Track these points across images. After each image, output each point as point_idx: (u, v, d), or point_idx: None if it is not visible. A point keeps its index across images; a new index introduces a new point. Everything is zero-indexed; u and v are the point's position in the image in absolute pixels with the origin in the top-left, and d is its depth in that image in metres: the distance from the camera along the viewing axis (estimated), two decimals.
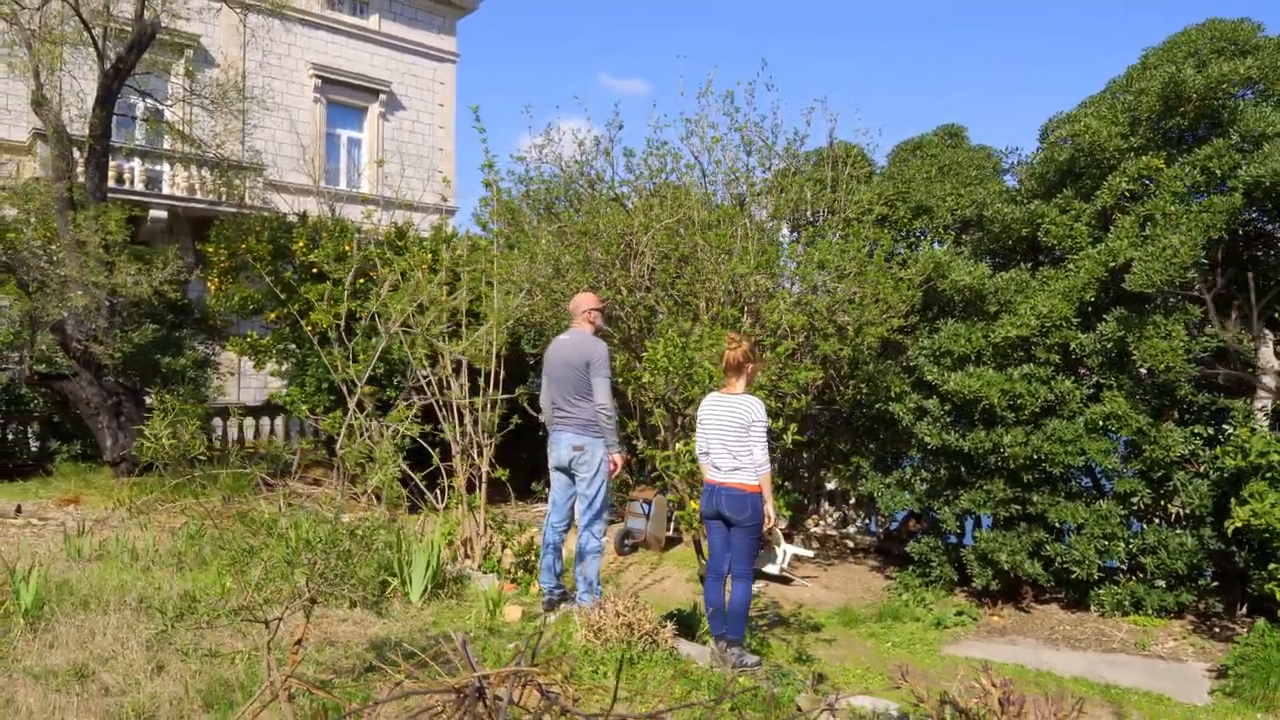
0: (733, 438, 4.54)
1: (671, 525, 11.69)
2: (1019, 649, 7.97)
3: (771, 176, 11.38)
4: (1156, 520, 8.81)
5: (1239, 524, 7.02)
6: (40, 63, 10.74)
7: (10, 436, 11.81)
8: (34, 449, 11.76)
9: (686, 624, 6.41)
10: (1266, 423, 8.43)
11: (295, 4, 21.17)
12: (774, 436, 7.38)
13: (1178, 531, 8.36)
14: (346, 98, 22.91)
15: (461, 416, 7.24)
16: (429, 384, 7.34)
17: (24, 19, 10.62)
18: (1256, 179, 7.65)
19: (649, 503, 11.67)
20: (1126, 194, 8.51)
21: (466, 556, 6.78)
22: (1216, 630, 8.20)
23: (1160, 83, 8.20)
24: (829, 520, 13.62)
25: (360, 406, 6.74)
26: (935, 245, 10.53)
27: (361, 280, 10.00)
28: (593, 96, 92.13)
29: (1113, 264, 8.26)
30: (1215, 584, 8.63)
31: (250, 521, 4.04)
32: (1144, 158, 8.38)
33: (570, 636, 4.68)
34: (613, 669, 4.21)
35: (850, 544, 12.56)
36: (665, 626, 4.67)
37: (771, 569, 10.11)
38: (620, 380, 8.11)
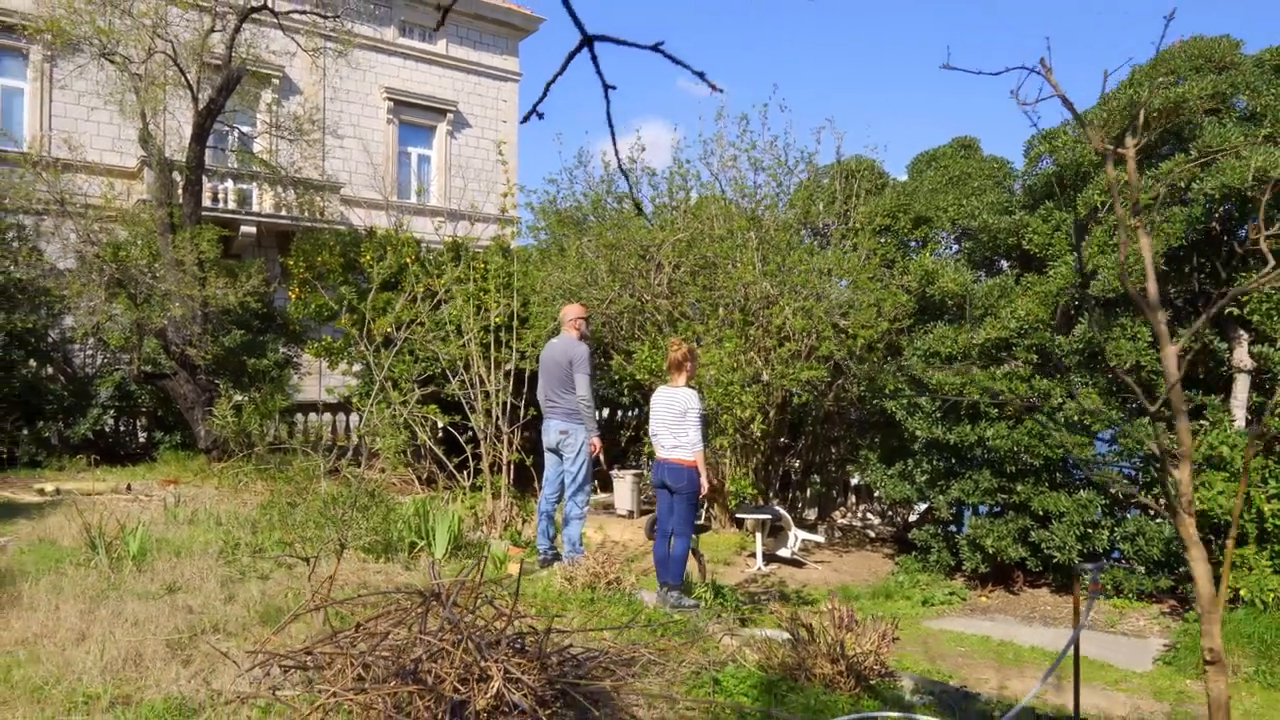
0: (673, 422, 5.56)
1: (703, 514, 12.65)
2: (994, 624, 8.70)
3: (790, 191, 12.29)
4: (1137, 510, 9.39)
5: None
6: (145, 105, 12.43)
7: (122, 428, 13.60)
8: (141, 439, 13.50)
9: (687, 591, 7.42)
10: (1244, 417, 8.94)
11: (369, 33, 23.03)
12: (743, 425, 8.30)
13: (1156, 521, 8.95)
14: (416, 118, 24.61)
15: (489, 409, 8.42)
16: (460, 381, 8.54)
17: (132, 68, 12.32)
18: (1215, 191, 8.22)
19: None
20: (1099, 205, 9.14)
21: (490, 527, 7.93)
22: (1186, 613, 8.76)
23: (1123, 102, 8.83)
24: (854, 512, 14.40)
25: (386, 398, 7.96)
26: (934, 254, 11.24)
27: (422, 288, 11.33)
28: (671, 104, 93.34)
29: (1084, 271, 8.92)
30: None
31: (296, 486, 5.27)
32: (1113, 171, 9.00)
33: (550, 582, 5.76)
34: (577, 606, 5.28)
35: (871, 534, 13.32)
36: (628, 577, 5.70)
37: (784, 552, 10.98)
38: (617, 377, 9.17)
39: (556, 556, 6.53)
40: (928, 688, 4.32)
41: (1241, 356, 8.90)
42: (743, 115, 11.81)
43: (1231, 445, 7.87)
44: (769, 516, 10.52)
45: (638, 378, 8.62)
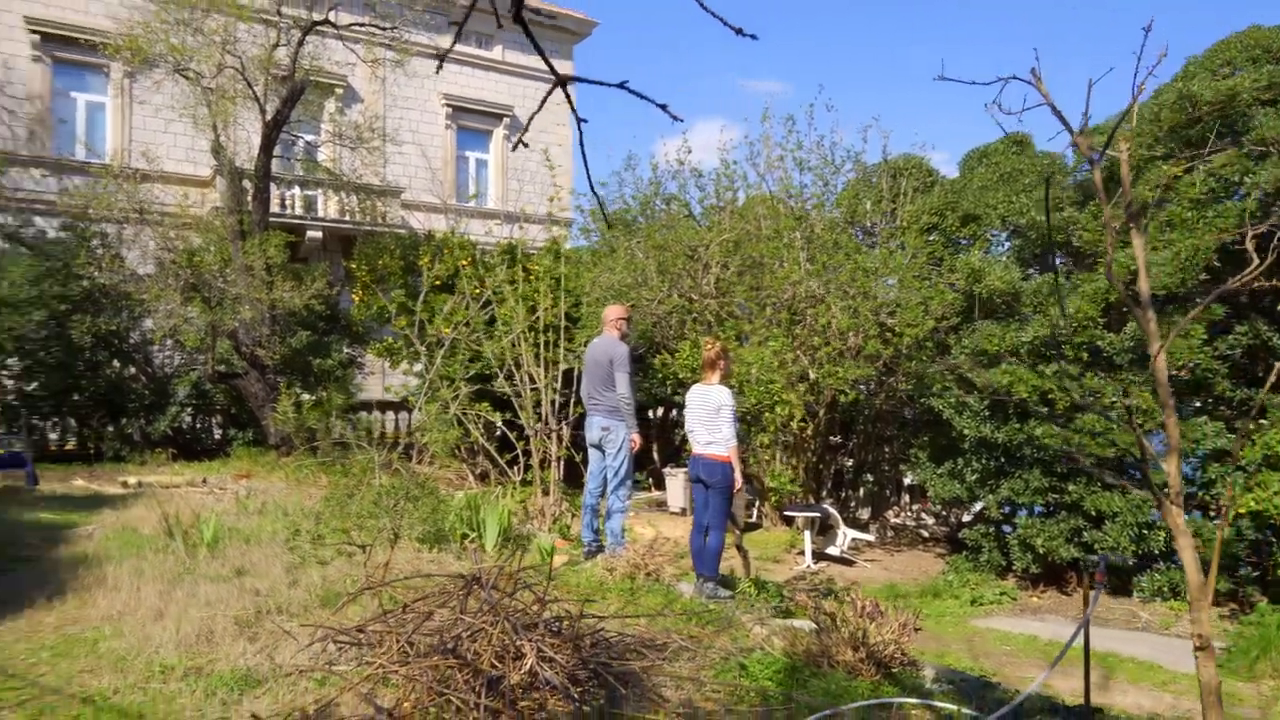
0: (707, 418, 5.74)
1: (755, 513, 12.77)
2: (1044, 624, 8.66)
3: (837, 190, 12.32)
4: (1196, 511, 9.22)
5: (1242, 509, 7.51)
6: (216, 118, 13.08)
7: (198, 425, 14.31)
8: (216, 435, 14.20)
9: (726, 584, 7.58)
10: None
11: (426, 41, 23.66)
12: (784, 424, 8.41)
13: (1214, 522, 8.78)
14: (474, 123, 25.19)
15: (539, 406, 8.71)
16: (509, 379, 8.85)
17: (203, 83, 12.98)
18: (1268, 184, 8.05)
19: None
20: (1150, 200, 9.01)
21: (539, 520, 8.22)
22: (1243, 616, 8.58)
23: (1173, 96, 8.69)
24: (908, 512, 14.34)
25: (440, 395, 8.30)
26: (985, 252, 11.17)
27: (475, 290, 11.71)
28: (728, 99, 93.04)
29: (1134, 267, 8.79)
30: (1256, 573, 8.96)
31: (353, 479, 5.61)
32: (1164, 166, 8.88)
33: (592, 573, 6.00)
34: (616, 594, 5.50)
35: (924, 534, 13.26)
36: (667, 569, 5.90)
37: (833, 550, 11.05)
38: (661, 375, 9.37)
39: (601, 548, 6.76)
40: (948, 677, 4.42)
41: None
42: (788, 116, 11.90)
43: (1269, 441, 7.71)
44: (818, 515, 10.60)
45: (680, 376, 8.82)
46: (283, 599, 5.31)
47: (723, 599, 5.56)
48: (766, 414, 8.90)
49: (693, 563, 5.97)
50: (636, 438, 6.52)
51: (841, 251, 10.82)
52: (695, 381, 6.11)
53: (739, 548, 7.68)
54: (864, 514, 13.76)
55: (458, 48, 25.08)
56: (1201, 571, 2.80)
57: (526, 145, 1.49)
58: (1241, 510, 7.50)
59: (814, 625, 4.46)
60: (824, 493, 12.84)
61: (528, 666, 3.75)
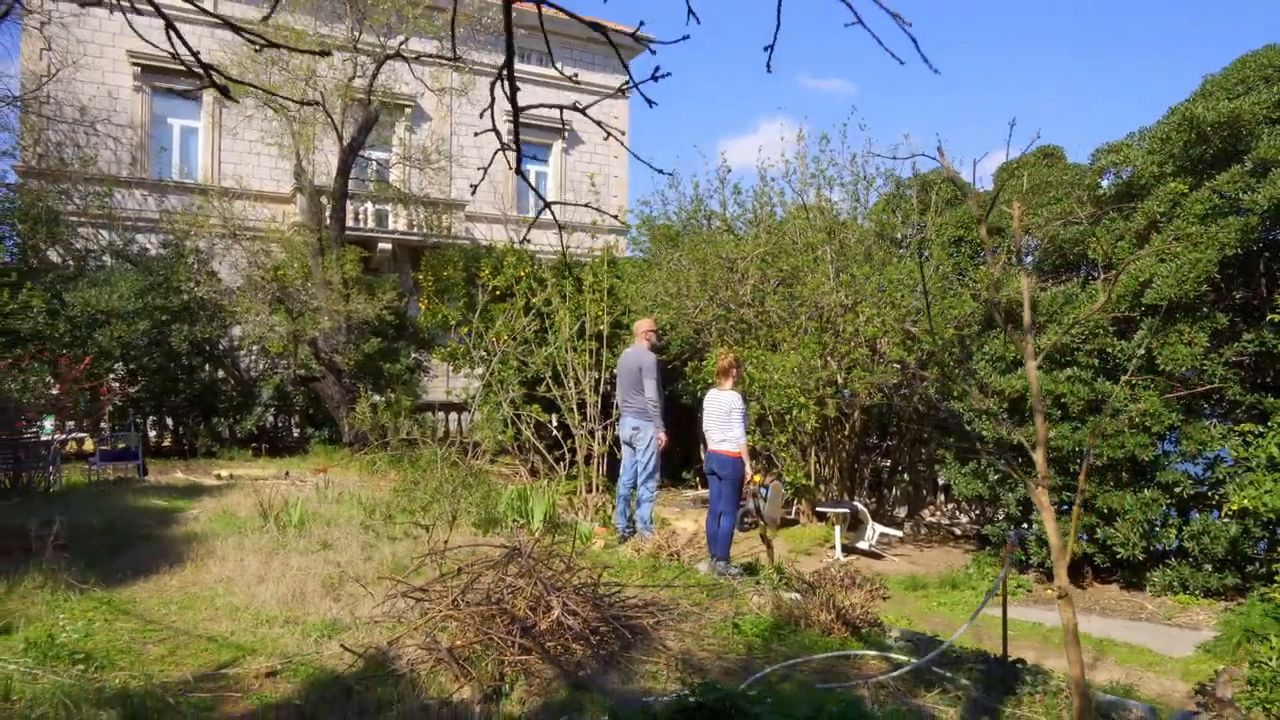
0: (720, 419, 6.58)
1: (793, 508, 13.50)
2: (1052, 614, 9.19)
3: (869, 205, 13.00)
4: (1205, 509, 9.66)
5: (1235, 507, 8.00)
6: (299, 145, 14.40)
7: (280, 424, 15.68)
8: (296, 434, 15.54)
9: (750, 570, 8.39)
10: None
11: (490, 60, 24.93)
12: (800, 425, 9.15)
13: (1222, 520, 9.23)
14: (534, 137, 26.38)
15: (583, 406, 9.64)
16: (557, 382, 9.80)
17: (288, 113, 14.32)
18: (1265, 202, 8.52)
19: (767, 487, 13.59)
20: (1159, 215, 9.50)
21: (582, 510, 9.15)
22: (1237, 605, 9.00)
23: (1180, 117, 9.18)
24: (943, 510, 14.87)
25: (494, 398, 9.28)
26: (1009, 263, 11.71)
27: (525, 301, 12.73)
28: (793, 99, 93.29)
29: (1143, 279, 9.31)
30: (1263, 569, 9.36)
31: (418, 471, 6.61)
32: (1172, 183, 9.37)
33: (622, 553, 6.89)
34: (640, 570, 6.38)
35: (956, 531, 13.79)
36: (686, 551, 6.76)
37: (862, 545, 11.71)
38: (690, 381, 10.19)
39: (633, 533, 7.65)
40: (908, 637, 5.14)
41: None
42: (823, 135, 12.62)
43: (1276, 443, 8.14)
44: (848, 511, 11.30)
45: (710, 382, 9.63)
46: (359, 569, 6.34)
47: (731, 575, 6.39)
48: (786, 416, 9.64)
49: (708, 545, 6.82)
50: (663, 436, 7.39)
51: (870, 263, 11.49)
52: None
53: (764, 539, 8.45)
54: (900, 512, 14.34)
55: (519, 66, 26.35)
56: (1062, 539, 3.53)
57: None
58: (1234, 507, 7.96)
59: (797, 595, 5.25)
60: (860, 491, 13.48)
61: (554, 616, 4.66)
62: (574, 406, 9.70)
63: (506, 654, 4.36)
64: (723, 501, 6.60)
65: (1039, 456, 3.57)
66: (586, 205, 2.32)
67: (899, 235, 12.64)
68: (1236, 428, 9.16)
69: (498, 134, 2.30)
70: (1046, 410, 9.80)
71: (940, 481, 14.74)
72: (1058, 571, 3.45)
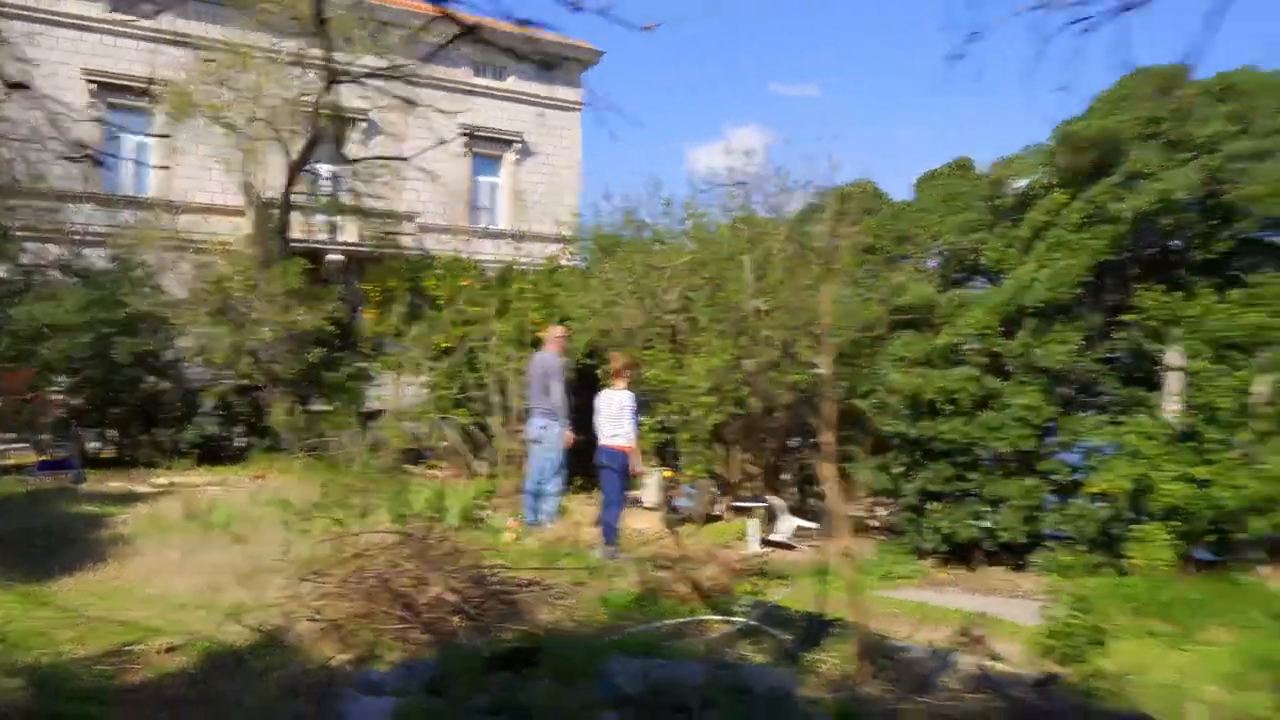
0: (613, 416, 7.17)
1: (718, 506, 14.05)
2: (939, 595, 9.88)
3: (790, 215, 13.70)
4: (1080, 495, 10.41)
5: (1095, 490, 8.73)
6: (246, 162, 14.81)
7: (223, 433, 15.99)
8: (238, 443, 15.87)
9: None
10: (1178, 409, 9.89)
11: (442, 74, 25.42)
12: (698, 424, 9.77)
13: (1096, 505, 9.97)
14: (487, 149, 26.89)
15: (509, 409, 10.17)
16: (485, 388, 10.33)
17: (237, 130, 14.74)
18: (1130, 211, 9.28)
19: (694, 485, 14.17)
20: (1042, 224, 10.26)
21: (497, 506, 9.66)
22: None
23: (1062, 132, 9.95)
24: (865, 504, 15.54)
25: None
26: (919, 268, 12.45)
27: (474, 309, 13.24)
28: (764, 106, 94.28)
29: (1024, 282, 10.05)
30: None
31: (343, 472, 7.10)
32: (1054, 195, 10.14)
33: (526, 543, 7.43)
34: (537, 557, 6.92)
35: (874, 523, 14.47)
36: (584, 540, 7.31)
37: (775, 537, 12.30)
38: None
39: (541, 526, 8.19)
40: (759, 606, 5.71)
41: (1172, 358, 9.84)
42: (749, 149, 13.30)
43: (1142, 435, 8.89)
44: (764, 505, 11.91)
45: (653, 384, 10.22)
46: (273, 562, 6.80)
47: (617, 558, 6.95)
48: (690, 416, 10.25)
49: (601, 532, 7.39)
50: (569, 434, 7.94)
51: (786, 271, 12.16)
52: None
53: (673, 531, 8.99)
54: (822, 506, 14.97)
55: (473, 79, 26.84)
56: (843, 505, 4.14)
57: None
58: (1093, 490, 8.68)
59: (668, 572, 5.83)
60: (786, 488, 14.10)
61: (434, 593, 5.19)
62: (500, 410, 10.23)
63: (386, 625, 4.87)
64: (610, 490, 7.17)
65: (826, 439, 4.17)
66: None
67: (815, 244, 13.32)
68: (1109, 419, 9.94)
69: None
70: (941, 406, 10.52)
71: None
72: (840, 535, 4.04)
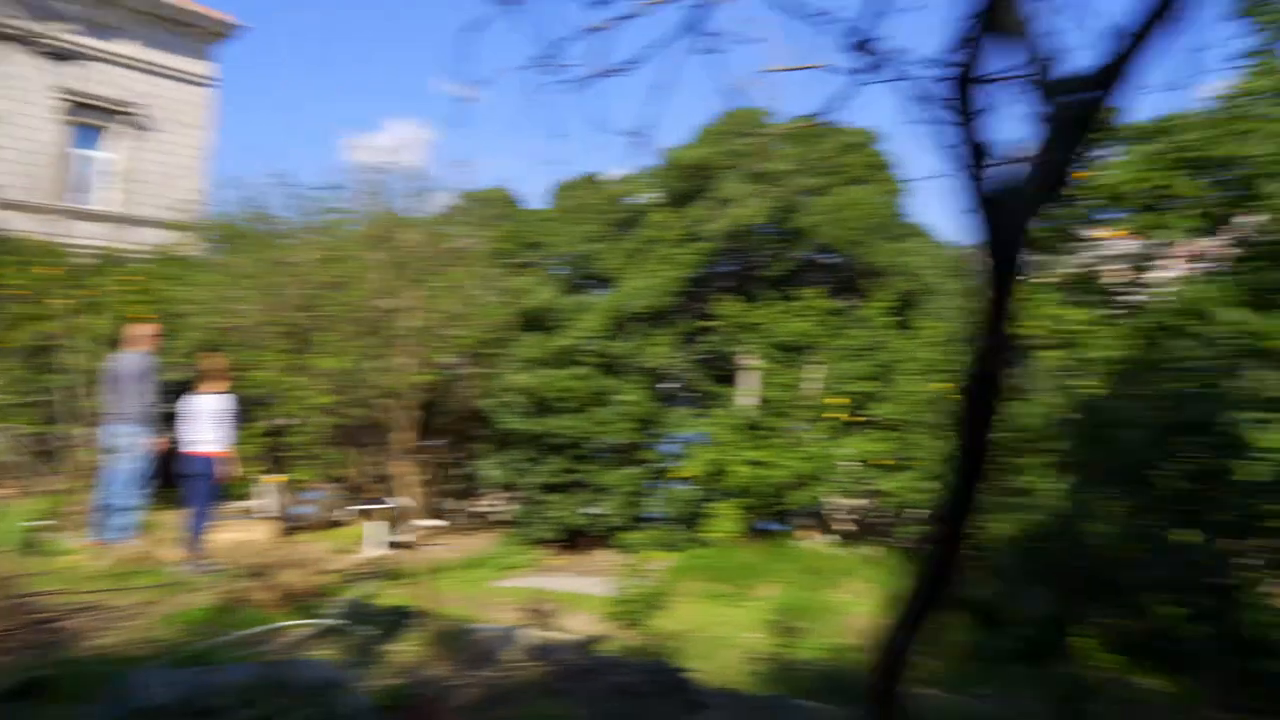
0: (200, 421, 6.84)
1: (339, 511, 13.57)
2: (553, 579, 10.65)
3: (428, 216, 13.79)
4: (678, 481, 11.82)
5: (681, 475, 10.00)
6: None
7: None
8: None
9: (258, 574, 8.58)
10: (750, 403, 11.57)
11: (43, 29, 21.78)
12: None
13: (685, 487, 11.37)
14: (96, 120, 23.49)
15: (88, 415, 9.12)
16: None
17: None
18: (716, 232, 10.70)
19: (315, 490, 13.66)
20: (649, 239, 11.45)
21: (68, 523, 8.64)
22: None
23: (669, 158, 11.18)
24: (494, 499, 16.08)
25: None
26: (548, 274, 13.21)
27: (67, 300, 11.53)
28: (426, 100, 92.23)
29: (632, 292, 11.17)
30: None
31: None
32: (659, 213, 11.37)
33: (96, 564, 6.78)
34: (106, 580, 6.36)
35: (501, 518, 15.06)
36: (168, 555, 6.85)
37: (395, 539, 12.32)
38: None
39: (119, 542, 7.50)
40: (355, 607, 5.82)
41: (743, 359, 11.57)
42: (393, 148, 13.16)
43: (722, 425, 10.37)
44: (384, 507, 11.90)
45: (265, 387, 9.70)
46: None
47: (206, 571, 6.64)
48: (306, 420, 10.05)
49: (186, 545, 7.00)
50: (159, 442, 7.36)
51: (418, 271, 12.26)
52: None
53: (283, 540, 8.71)
54: (453, 504, 15.17)
55: (79, 39, 23.30)
56: (419, 500, 4.44)
57: None
58: (682, 475, 10.01)
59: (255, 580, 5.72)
60: (414, 487, 14.11)
61: None
62: (78, 417, 9.16)
63: None
64: (198, 501, 6.81)
65: (404, 438, 4.40)
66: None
67: (451, 246, 13.59)
68: (699, 412, 11.40)
69: None
70: (559, 404, 11.32)
71: (488, 474, 16.01)
72: (420, 529, 4.30)
